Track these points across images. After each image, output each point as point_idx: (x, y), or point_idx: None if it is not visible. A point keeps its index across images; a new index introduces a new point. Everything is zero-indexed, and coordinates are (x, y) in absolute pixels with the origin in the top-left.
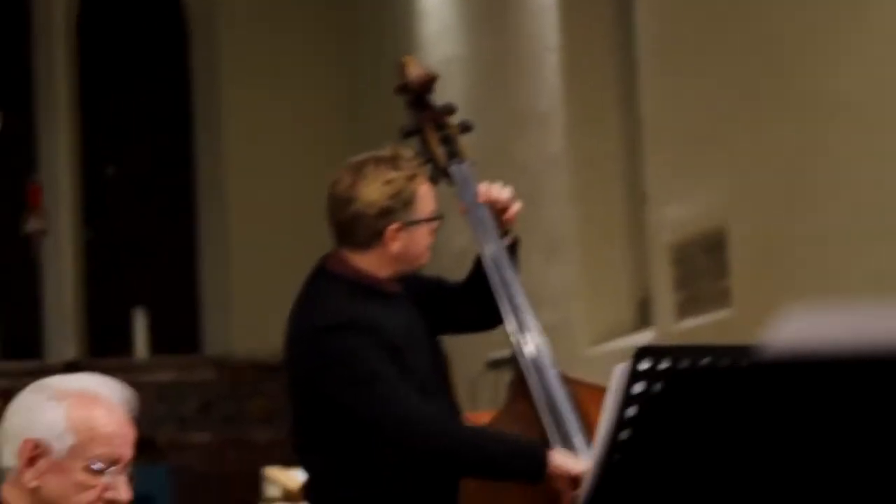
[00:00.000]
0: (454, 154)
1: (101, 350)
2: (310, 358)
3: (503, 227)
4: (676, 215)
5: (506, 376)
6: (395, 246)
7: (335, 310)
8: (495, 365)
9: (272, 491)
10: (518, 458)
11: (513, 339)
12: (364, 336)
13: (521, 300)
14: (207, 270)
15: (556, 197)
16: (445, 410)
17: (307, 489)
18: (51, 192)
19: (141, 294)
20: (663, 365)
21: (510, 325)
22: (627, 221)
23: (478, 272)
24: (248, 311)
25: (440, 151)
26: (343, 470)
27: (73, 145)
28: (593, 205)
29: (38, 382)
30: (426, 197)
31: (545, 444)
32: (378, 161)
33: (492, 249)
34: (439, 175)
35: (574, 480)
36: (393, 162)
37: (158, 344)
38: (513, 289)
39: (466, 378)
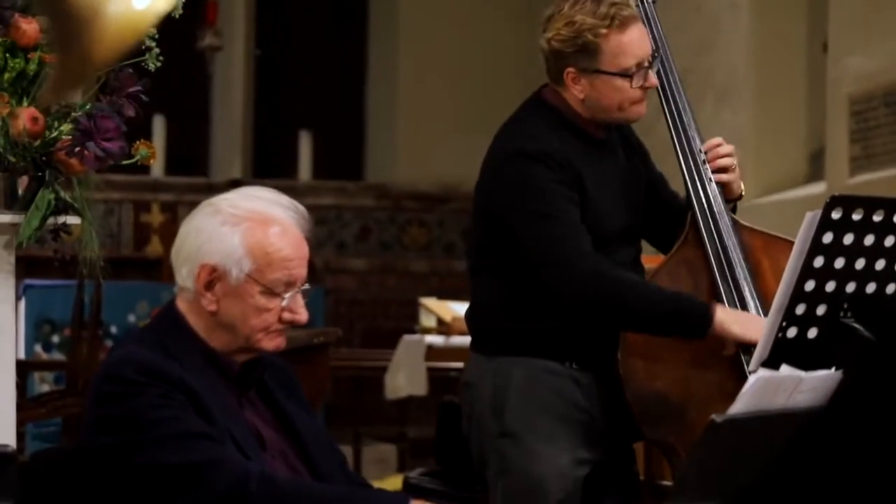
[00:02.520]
0: None
1: (266, 170)
2: (499, 178)
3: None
4: (858, 67)
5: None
6: (576, 90)
7: (534, 137)
8: None
9: (427, 320)
10: (681, 316)
11: (688, 183)
12: (554, 171)
13: (697, 144)
14: (375, 99)
15: (734, 40)
16: (625, 264)
17: (469, 315)
18: (226, 9)
19: (308, 117)
20: (856, 216)
21: (686, 169)
22: (806, 70)
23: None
24: (413, 141)
25: None
26: (509, 300)
27: None
28: (771, 51)
29: (210, 203)
30: (618, 49)
31: (709, 304)
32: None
33: (675, 94)
34: None
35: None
36: (596, 4)
37: (322, 168)
38: (690, 129)
39: None
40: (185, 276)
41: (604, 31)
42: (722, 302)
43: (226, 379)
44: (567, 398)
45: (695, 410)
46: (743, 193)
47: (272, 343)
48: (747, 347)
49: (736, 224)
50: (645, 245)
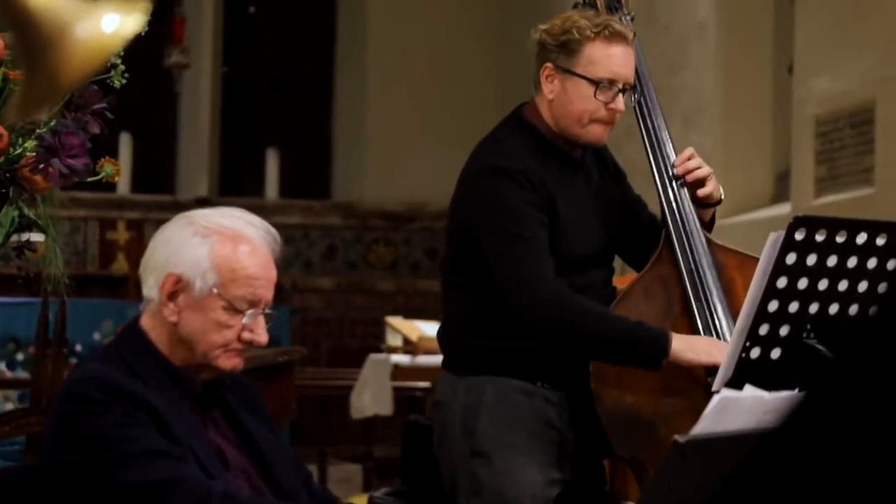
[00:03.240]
0: (616, 6)
1: (232, 188)
2: (472, 194)
3: (698, 205)
4: (823, 88)
5: None
6: (547, 89)
7: (510, 155)
8: None
9: (393, 340)
10: (636, 347)
11: (662, 200)
12: (527, 190)
13: (672, 161)
14: (342, 118)
15: (700, 62)
16: (596, 285)
17: (441, 333)
18: (193, 27)
19: (275, 135)
20: (819, 236)
21: (660, 186)
22: (772, 92)
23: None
24: (379, 160)
25: (602, 1)
26: (481, 318)
27: None
28: (738, 72)
29: (186, 215)
30: (597, 56)
31: (666, 335)
32: (585, 5)
33: (651, 110)
34: None
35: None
36: (598, 15)
37: (289, 186)
38: (665, 147)
39: None
40: (151, 285)
41: (590, 34)
42: (694, 318)
43: (189, 398)
44: (539, 417)
45: (665, 428)
46: (722, 198)
47: (229, 362)
48: (713, 369)
49: (710, 242)
50: (616, 266)
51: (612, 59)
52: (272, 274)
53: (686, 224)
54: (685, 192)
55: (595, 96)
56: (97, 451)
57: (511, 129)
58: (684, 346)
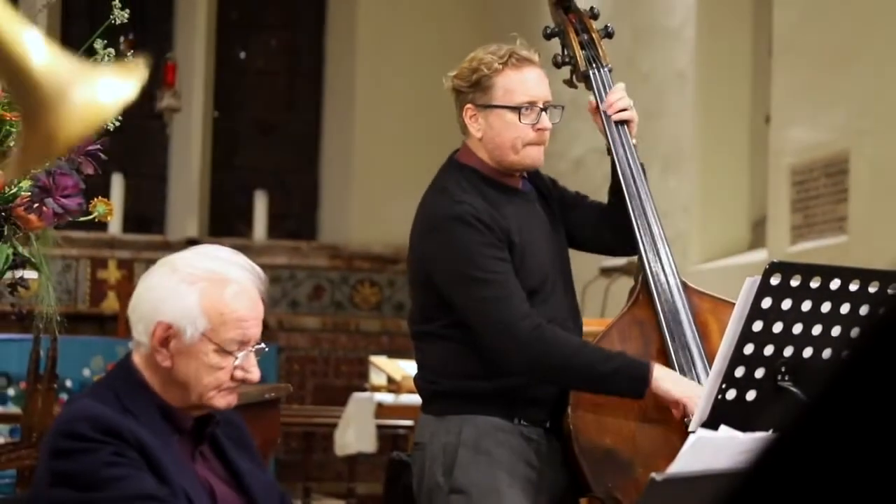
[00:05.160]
0: (594, 58)
1: (221, 229)
2: (430, 246)
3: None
4: (799, 137)
5: (618, 283)
6: (474, 129)
7: (458, 200)
8: (607, 272)
9: (377, 379)
10: (620, 375)
11: (640, 245)
12: (482, 232)
13: (650, 207)
14: (329, 161)
15: (679, 111)
16: (563, 313)
17: (418, 378)
18: (185, 72)
19: (263, 178)
20: (794, 282)
21: (638, 231)
22: (749, 140)
23: (617, 195)
24: (365, 203)
25: (581, 54)
26: (456, 362)
27: (209, 26)
28: (715, 121)
29: (168, 261)
30: (510, 84)
31: (647, 364)
32: (488, 45)
33: (625, 156)
34: (579, 78)
35: (678, 402)
36: (500, 48)
37: (276, 227)
38: (643, 195)
39: (578, 283)
40: (140, 332)
41: (498, 66)
42: (672, 361)
43: (179, 434)
44: (517, 455)
45: (642, 467)
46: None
47: (224, 401)
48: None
49: (685, 286)
50: (593, 308)
51: (526, 83)
52: (260, 312)
53: (663, 268)
54: (663, 233)
55: (520, 121)
56: (87, 490)
57: (450, 175)
58: (665, 375)
